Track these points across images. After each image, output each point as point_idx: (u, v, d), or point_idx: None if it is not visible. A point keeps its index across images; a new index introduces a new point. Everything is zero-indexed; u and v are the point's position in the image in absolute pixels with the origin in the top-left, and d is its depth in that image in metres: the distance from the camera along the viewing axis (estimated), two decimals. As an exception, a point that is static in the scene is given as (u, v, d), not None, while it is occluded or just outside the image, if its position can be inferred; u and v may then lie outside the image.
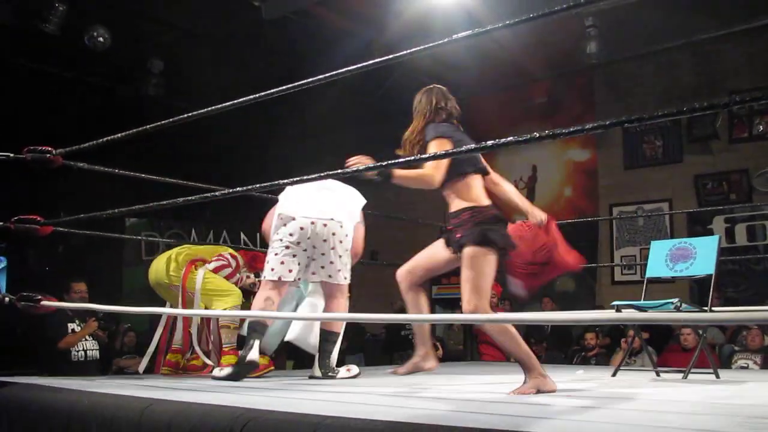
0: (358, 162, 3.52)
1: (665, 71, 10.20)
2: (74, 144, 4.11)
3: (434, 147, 3.58)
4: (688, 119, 9.72)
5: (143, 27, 9.15)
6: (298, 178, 3.00)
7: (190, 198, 3.85)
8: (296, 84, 3.19)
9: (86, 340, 6.06)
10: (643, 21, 9.02)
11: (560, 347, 9.12)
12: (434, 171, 3.57)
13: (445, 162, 3.55)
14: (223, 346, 4.77)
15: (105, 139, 3.94)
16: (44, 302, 3.95)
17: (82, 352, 6.05)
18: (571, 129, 2.14)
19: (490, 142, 2.37)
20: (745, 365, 6.91)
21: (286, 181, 3.05)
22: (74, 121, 8.55)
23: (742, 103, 2.03)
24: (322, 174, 2.87)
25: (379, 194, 13.01)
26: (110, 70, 9.70)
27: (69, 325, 6.02)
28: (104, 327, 6.59)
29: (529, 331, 9.69)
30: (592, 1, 2.52)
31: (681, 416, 2.46)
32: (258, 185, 3.25)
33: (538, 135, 2.19)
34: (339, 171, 2.86)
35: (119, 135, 3.90)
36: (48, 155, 4.05)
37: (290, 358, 10.16)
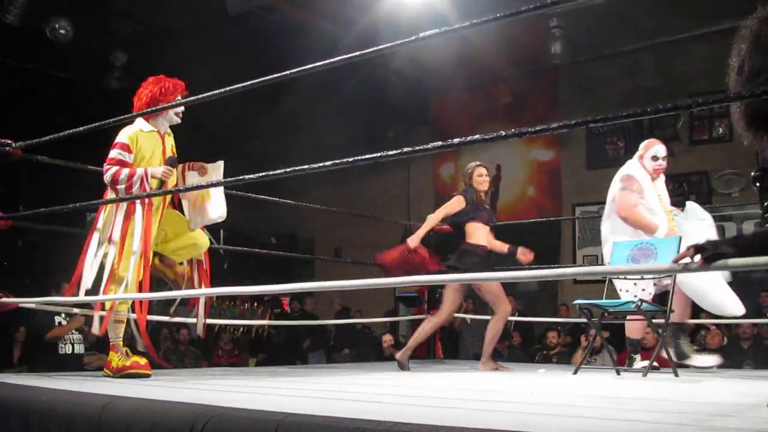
0: None
1: (628, 72, 10.32)
2: (35, 137, 4.05)
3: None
4: (650, 121, 9.85)
5: (106, 19, 9.03)
6: (263, 174, 2.98)
7: (153, 193, 3.81)
8: (259, 80, 3.18)
9: (73, 333, 6.00)
10: (607, 23, 9.12)
11: (523, 346, 9.18)
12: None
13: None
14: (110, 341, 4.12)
15: (66, 132, 3.89)
16: (3, 300, 3.89)
17: (69, 346, 6.00)
18: (537, 128, 2.15)
19: (456, 140, 2.38)
20: (704, 364, 7.00)
21: (252, 176, 3.03)
22: (35, 113, 8.42)
23: (704, 105, 2.06)
24: (297, 168, 2.86)
25: (343, 191, 13.05)
26: (73, 62, 9.55)
27: (56, 317, 5.96)
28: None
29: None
30: (558, 2, 2.54)
31: (641, 413, 2.49)
32: (222, 180, 3.23)
33: (504, 133, 2.20)
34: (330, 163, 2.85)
35: (81, 128, 3.85)
36: (7, 148, 3.99)
37: (253, 355, 10.15)
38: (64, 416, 2.74)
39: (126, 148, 4.04)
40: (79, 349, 6.13)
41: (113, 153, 4.03)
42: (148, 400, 2.72)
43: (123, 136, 4.07)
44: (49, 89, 9.58)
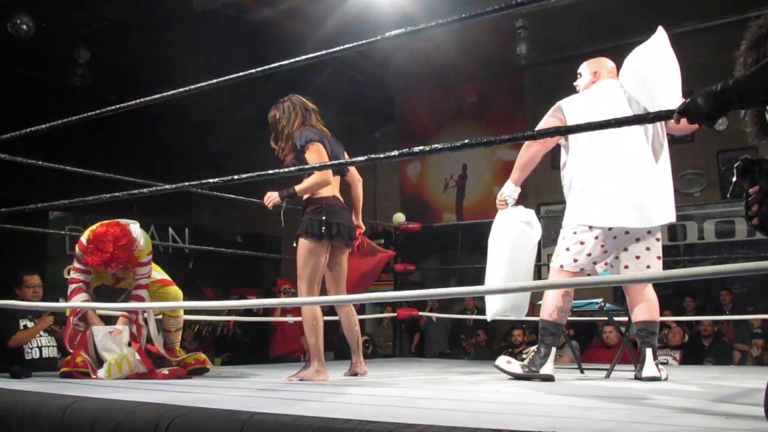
0: (269, 197, 4.13)
1: (592, 73, 10.43)
2: (-4, 135, 4.00)
3: (311, 150, 3.92)
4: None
5: (69, 15, 8.90)
6: (228, 177, 2.98)
7: (116, 195, 3.77)
8: (227, 78, 3.17)
9: (41, 336, 5.48)
10: (571, 24, 9.21)
11: (488, 343, 9.23)
12: (324, 172, 3.90)
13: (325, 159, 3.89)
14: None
15: (27, 130, 3.85)
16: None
17: (37, 350, 5.45)
18: (506, 137, 2.18)
19: (427, 147, 2.39)
20: (665, 361, 7.12)
21: (214, 180, 3.02)
22: (-5, 110, 8.28)
23: (667, 114, 2.10)
24: (253, 174, 2.85)
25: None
26: (34, 59, 9.41)
27: (21, 321, 5.45)
28: (62, 322, 6.08)
29: (453, 328, 9.78)
30: (523, 3, 2.56)
31: (600, 411, 2.53)
32: (187, 183, 3.22)
33: (468, 141, 2.21)
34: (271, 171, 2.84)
35: (43, 126, 3.80)
36: (-32, 146, 3.93)
37: (218, 354, 10.08)
38: (26, 417, 2.71)
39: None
40: (50, 352, 5.55)
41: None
42: (112, 400, 2.70)
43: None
44: (10, 85, 9.43)
